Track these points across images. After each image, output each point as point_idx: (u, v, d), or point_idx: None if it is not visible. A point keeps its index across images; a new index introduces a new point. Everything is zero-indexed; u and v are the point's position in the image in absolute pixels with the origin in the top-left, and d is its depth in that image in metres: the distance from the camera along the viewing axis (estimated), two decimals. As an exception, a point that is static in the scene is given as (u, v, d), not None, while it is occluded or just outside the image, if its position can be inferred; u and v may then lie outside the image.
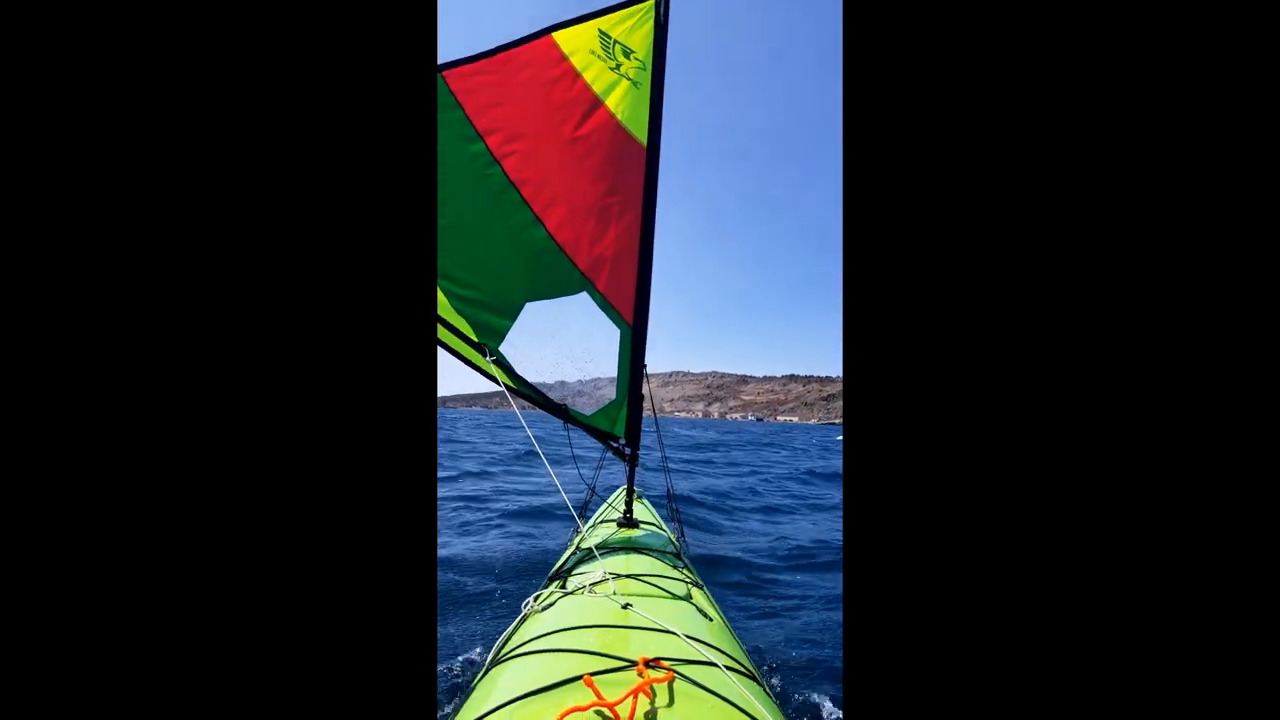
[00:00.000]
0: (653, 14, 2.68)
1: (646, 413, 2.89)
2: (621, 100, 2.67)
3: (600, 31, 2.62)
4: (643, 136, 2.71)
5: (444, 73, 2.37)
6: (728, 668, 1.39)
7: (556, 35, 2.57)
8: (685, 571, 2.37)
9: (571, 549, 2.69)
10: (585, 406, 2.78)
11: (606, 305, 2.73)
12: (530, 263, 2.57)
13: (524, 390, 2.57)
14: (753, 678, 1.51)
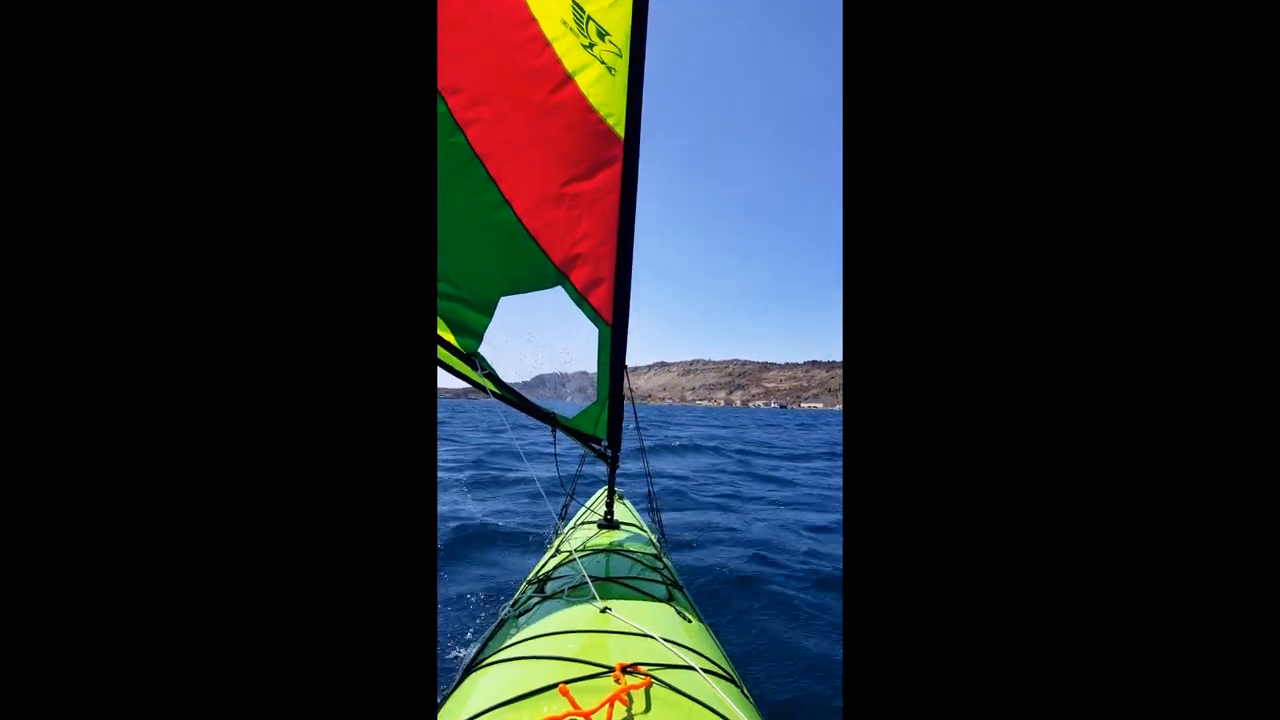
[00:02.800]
0: None
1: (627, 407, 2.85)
2: (595, 84, 2.50)
3: (573, 1, 2.42)
4: (620, 128, 2.60)
5: None
6: (706, 671, 1.39)
7: None
8: (665, 573, 2.34)
9: (550, 552, 2.67)
10: (569, 406, 2.75)
11: (584, 303, 2.67)
12: (500, 249, 2.43)
13: (511, 398, 2.52)
14: (731, 680, 1.50)
